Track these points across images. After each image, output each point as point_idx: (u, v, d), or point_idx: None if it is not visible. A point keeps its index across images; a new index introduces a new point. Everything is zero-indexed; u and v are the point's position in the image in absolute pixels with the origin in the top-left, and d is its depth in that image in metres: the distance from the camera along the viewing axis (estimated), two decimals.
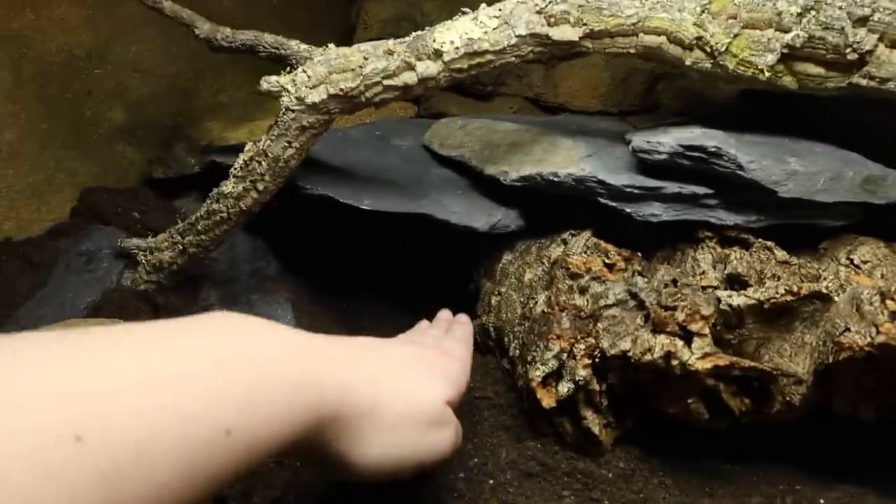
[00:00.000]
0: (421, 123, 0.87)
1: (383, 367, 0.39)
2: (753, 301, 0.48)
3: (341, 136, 0.79)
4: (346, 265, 0.77)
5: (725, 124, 0.64)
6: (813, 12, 0.54)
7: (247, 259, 0.74)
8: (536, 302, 0.58)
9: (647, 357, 0.48)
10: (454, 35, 0.56)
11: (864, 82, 0.54)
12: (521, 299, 0.61)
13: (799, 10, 0.54)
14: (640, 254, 0.58)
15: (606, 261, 0.56)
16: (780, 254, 0.53)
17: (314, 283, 0.73)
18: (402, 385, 0.38)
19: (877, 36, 0.52)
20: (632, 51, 0.59)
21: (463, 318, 0.58)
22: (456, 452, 0.41)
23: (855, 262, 0.53)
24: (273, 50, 0.63)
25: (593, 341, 0.51)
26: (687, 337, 0.48)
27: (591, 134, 0.71)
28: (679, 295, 0.50)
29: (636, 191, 0.57)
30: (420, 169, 0.73)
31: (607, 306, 0.53)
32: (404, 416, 0.37)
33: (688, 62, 0.58)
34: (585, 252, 0.58)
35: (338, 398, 0.33)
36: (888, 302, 0.44)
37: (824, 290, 0.48)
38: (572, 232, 0.62)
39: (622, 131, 0.69)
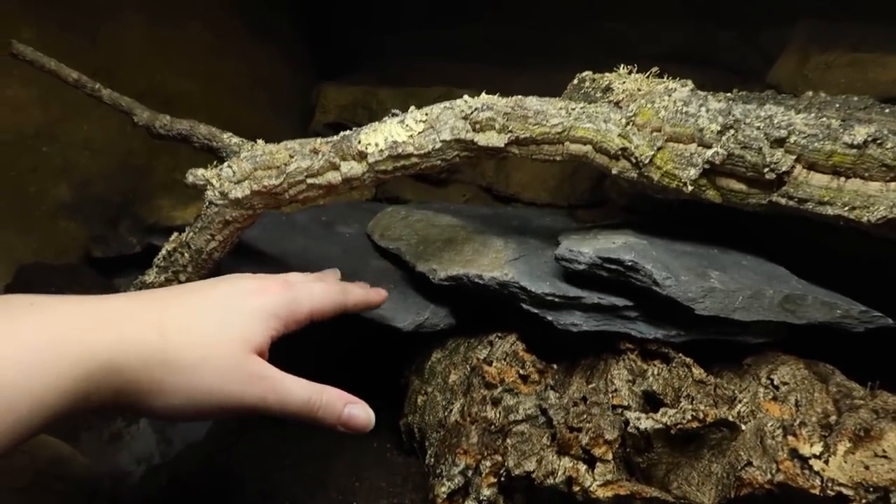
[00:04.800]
0: (372, 209, 0.87)
1: (177, 313, 0.39)
2: (661, 425, 0.47)
3: (285, 221, 0.79)
4: (279, 355, 0.76)
5: (661, 227, 0.64)
6: (732, 131, 0.54)
7: None
8: (452, 409, 0.56)
9: (550, 480, 0.47)
10: (379, 137, 0.56)
11: (783, 201, 0.54)
12: (444, 402, 0.60)
13: (719, 128, 0.55)
14: (555, 366, 0.57)
15: (521, 372, 0.55)
16: (698, 372, 0.52)
17: None
18: (198, 333, 0.38)
19: (794, 157, 0.53)
20: (558, 158, 0.60)
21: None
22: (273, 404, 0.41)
23: (775, 382, 0.52)
24: (206, 141, 0.63)
25: (500, 458, 0.50)
26: (591, 461, 0.47)
27: (531, 232, 0.71)
28: (586, 415, 0.48)
29: (556, 299, 0.56)
30: (358, 260, 0.72)
31: (517, 421, 0.51)
32: (198, 364, 0.37)
33: (614, 171, 0.59)
34: (505, 359, 0.57)
35: (109, 349, 0.34)
36: (789, 438, 0.43)
37: (731, 418, 0.46)
38: (499, 334, 0.61)
39: (563, 229, 0.69)
